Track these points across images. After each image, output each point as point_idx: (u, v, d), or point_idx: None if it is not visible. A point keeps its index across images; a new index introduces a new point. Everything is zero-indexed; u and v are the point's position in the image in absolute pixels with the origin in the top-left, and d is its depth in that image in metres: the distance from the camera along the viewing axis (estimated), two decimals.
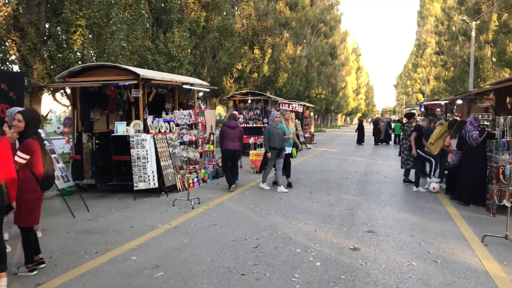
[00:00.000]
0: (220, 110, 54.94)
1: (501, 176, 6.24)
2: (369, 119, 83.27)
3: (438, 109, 25.26)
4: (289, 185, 11.32)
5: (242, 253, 5.96)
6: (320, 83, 52.92)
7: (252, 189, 11.12)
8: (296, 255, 5.86)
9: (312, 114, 41.13)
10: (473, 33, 32.98)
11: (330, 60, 58.27)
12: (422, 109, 30.82)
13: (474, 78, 34.51)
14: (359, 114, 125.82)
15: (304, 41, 47.03)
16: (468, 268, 5.43)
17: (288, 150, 11.35)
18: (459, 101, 17.49)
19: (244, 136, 18.65)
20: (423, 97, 67.73)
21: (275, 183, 11.24)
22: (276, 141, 10.71)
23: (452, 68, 46.85)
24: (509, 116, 6.90)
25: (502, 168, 6.25)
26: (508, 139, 6.26)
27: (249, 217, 8.05)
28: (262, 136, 18.71)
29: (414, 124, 12.52)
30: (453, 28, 47.85)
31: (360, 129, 30.54)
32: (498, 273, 5.26)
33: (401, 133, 13.11)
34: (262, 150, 15.11)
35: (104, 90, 11.45)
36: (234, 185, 10.96)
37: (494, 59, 39.49)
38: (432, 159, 10.96)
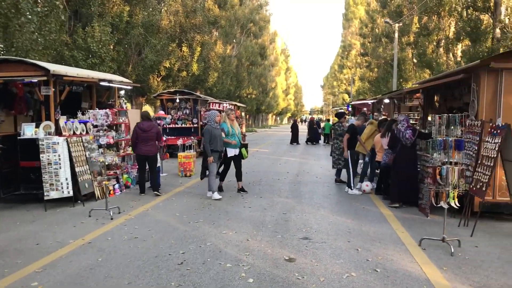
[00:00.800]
0: (149, 110, 53.18)
1: (438, 177, 6.02)
2: (298, 119, 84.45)
3: (365, 108, 25.81)
4: (241, 190, 10.53)
5: (165, 271, 5.24)
6: (251, 83, 52.80)
7: (180, 195, 10.35)
8: (227, 270, 5.24)
9: (243, 114, 40.82)
10: (396, 35, 34.21)
11: (260, 60, 58.36)
12: (350, 109, 31.49)
13: (397, 79, 35.85)
14: (289, 114, 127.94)
15: (234, 40, 46.63)
16: (409, 276, 5.09)
17: (236, 151, 10.44)
18: (386, 100, 17.77)
19: (172, 137, 17.93)
20: (349, 97, 69.94)
21: (241, 190, 10.62)
22: (218, 143, 9.90)
23: (376, 69, 48.57)
24: (445, 115, 6.75)
25: (439, 169, 6.02)
26: (444, 138, 6.04)
27: (175, 228, 7.31)
28: (191, 137, 18.03)
29: (345, 123, 12.39)
30: (377, 30, 49.55)
31: (295, 129, 30.61)
32: (440, 280, 4.97)
33: (332, 133, 12.93)
34: (191, 152, 14.34)
35: (10, 87, 10.16)
36: (157, 192, 10.21)
37: (415, 60, 41.33)
38: (350, 168, 10.72)
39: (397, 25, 33.98)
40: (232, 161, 10.62)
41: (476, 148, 7.40)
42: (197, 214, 8.32)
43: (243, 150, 10.69)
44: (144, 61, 24.38)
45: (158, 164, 10.92)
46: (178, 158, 13.85)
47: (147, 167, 10.55)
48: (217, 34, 39.11)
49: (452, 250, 5.89)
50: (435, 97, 10.90)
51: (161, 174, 13.38)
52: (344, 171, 11.82)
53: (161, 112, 15.53)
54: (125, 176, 11.27)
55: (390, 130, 9.60)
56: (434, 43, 34.73)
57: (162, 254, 5.91)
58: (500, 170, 7.43)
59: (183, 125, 19.74)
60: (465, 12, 26.79)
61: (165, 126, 16.04)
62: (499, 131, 6.86)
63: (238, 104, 34.29)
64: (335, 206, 9.21)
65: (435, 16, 32.83)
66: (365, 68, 55.33)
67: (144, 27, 23.35)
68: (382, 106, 18.29)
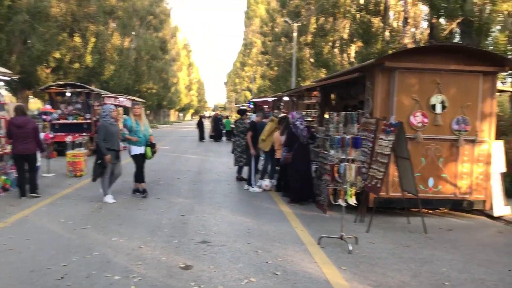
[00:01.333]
0: (39, 104, 49.06)
1: (336, 175, 5.98)
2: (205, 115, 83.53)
3: (266, 106, 26.11)
4: (143, 191, 9.58)
5: None
6: (151, 78, 51.14)
7: (67, 198, 9.39)
8: (114, 284, 4.69)
9: (143, 109, 39.27)
10: (295, 35, 35.04)
11: (160, 54, 56.78)
12: (251, 106, 31.72)
13: (296, 77, 36.89)
14: (192, 110, 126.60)
15: (133, 32, 44.75)
16: (309, 278, 4.95)
17: (141, 149, 9.40)
18: (286, 98, 18.03)
19: (61, 134, 16.49)
20: (251, 94, 70.88)
21: (136, 191, 9.73)
22: (114, 141, 8.97)
23: (276, 68, 49.64)
24: (343, 112, 6.77)
25: (336, 166, 5.99)
26: (341, 136, 6.02)
27: (59, 236, 6.52)
28: (83, 134, 16.75)
29: (246, 120, 12.21)
30: (276, 29, 50.63)
31: (200, 126, 30.05)
32: (339, 281, 4.89)
33: (234, 130, 12.70)
34: (82, 150, 13.25)
35: None
36: (35, 194, 9.22)
37: (312, 60, 42.87)
38: (252, 165, 10.63)
39: (295, 24, 34.84)
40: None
41: (371, 145, 7.56)
42: (85, 219, 7.55)
43: (148, 149, 9.41)
44: (30, 50, 22.28)
45: (38, 163, 9.85)
46: (66, 157, 12.68)
47: (26, 167, 9.44)
48: (114, 25, 37.17)
49: (350, 248, 5.89)
50: (332, 95, 11.12)
51: (47, 175, 12.19)
52: (245, 169, 11.64)
53: (48, 107, 14.16)
54: (2, 177, 10.01)
55: (287, 127, 9.57)
56: (330, 44, 36.28)
57: (39, 268, 5.16)
58: (393, 167, 7.68)
59: (75, 121, 18.29)
60: (358, 15, 28.16)
61: (52, 121, 14.65)
62: (392, 128, 7.05)
63: (137, 99, 32.89)
64: (236, 205, 8.96)
65: (331, 17, 34.25)
66: (266, 66, 56.28)
67: (30, 14, 21.31)
68: (282, 103, 18.52)
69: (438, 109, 7.93)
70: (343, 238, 6.11)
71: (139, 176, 9.58)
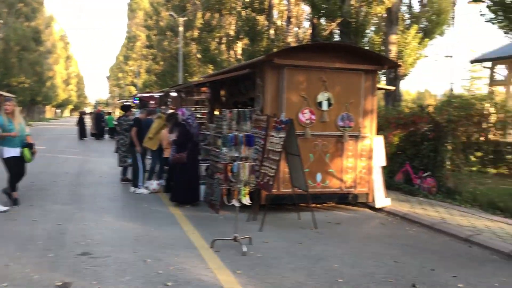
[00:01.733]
0: None
1: (229, 174, 5.76)
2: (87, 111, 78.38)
3: (153, 102, 25.17)
4: (14, 202, 8.30)
5: None
6: (23, 71, 46.67)
7: None
8: None
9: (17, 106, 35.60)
10: (181, 29, 34.36)
11: (34, 45, 52.07)
12: (137, 101, 30.42)
13: (183, 73, 36.28)
14: (71, 106, 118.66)
15: (0, 21, 40.38)
16: (204, 287, 4.66)
17: (15, 152, 8.09)
18: (174, 94, 17.47)
19: None
20: (136, 89, 68.40)
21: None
22: None
23: (162, 62, 48.46)
24: (235, 110, 6.58)
25: (230, 165, 5.77)
26: (234, 134, 5.81)
27: None
28: None
29: (131, 117, 11.49)
30: (161, 23, 49.47)
31: (81, 123, 27.80)
32: (235, 286, 4.67)
33: (117, 127, 11.90)
34: None
35: None
36: None
37: (199, 56, 42.54)
38: (138, 165, 10.08)
39: (181, 19, 34.15)
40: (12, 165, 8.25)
41: (263, 142, 7.48)
42: None
43: (26, 150, 8.11)
44: None
45: None
46: None
47: None
48: None
49: (244, 250, 5.72)
50: (222, 92, 10.93)
51: None
52: (131, 169, 10.96)
53: None
54: None
55: (178, 125, 9.15)
56: (217, 40, 36.25)
57: None
58: (283, 163, 7.68)
59: None
60: (244, 12, 28.41)
61: None
62: (283, 126, 7.03)
63: (6, 94, 29.68)
64: (121, 210, 8.34)
65: (217, 13, 34.20)
66: (151, 61, 54.80)
67: None
68: (170, 99, 17.94)
69: (325, 106, 8.13)
70: (237, 240, 5.91)
71: (13, 184, 8.39)
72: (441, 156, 10.37)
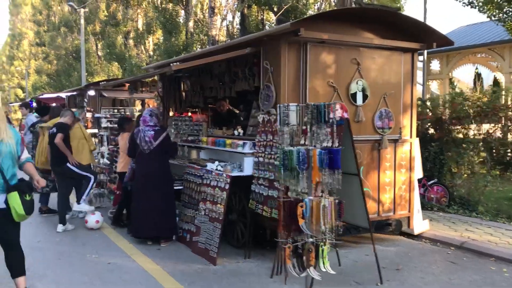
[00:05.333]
0: None
1: (300, 221, 3.19)
2: None
3: (54, 104, 21.08)
4: None
5: None
6: None
7: None
8: None
9: None
10: (83, 22, 30.13)
11: None
12: (34, 104, 25.71)
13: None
14: None
15: None
16: None
17: None
18: (92, 92, 14.07)
19: None
20: (23, 92, 61.48)
21: None
22: None
23: (55, 61, 43.74)
24: (308, 104, 3.97)
25: (301, 207, 3.19)
26: (308, 148, 3.24)
27: None
28: None
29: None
30: (53, 18, 44.75)
31: None
32: None
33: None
34: None
35: None
36: None
37: (100, 53, 38.32)
38: (90, 176, 7.03)
39: (83, 10, 29.83)
40: None
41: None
42: None
43: (14, 199, 3.87)
44: None
45: None
46: None
47: None
48: None
49: None
50: (183, 85, 8.09)
51: None
52: (53, 196, 7.71)
53: None
54: None
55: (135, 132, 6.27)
56: (123, 35, 32.73)
57: None
58: None
59: None
60: (159, 1, 25.31)
61: None
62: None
63: None
64: (59, 268, 5.24)
65: (124, 5, 30.68)
66: (42, 60, 49.26)
67: None
68: (86, 100, 14.43)
69: (359, 100, 5.78)
70: None
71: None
72: (448, 159, 8.67)
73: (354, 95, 5.74)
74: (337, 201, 3.44)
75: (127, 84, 9.77)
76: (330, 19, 5.58)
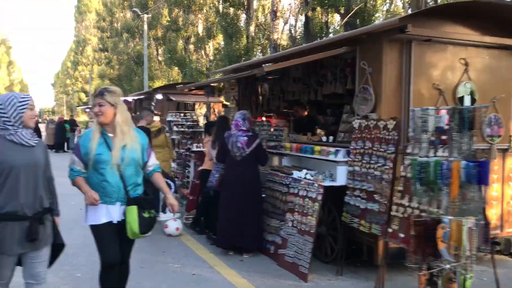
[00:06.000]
0: None
1: (441, 245, 2.74)
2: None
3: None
4: None
5: None
6: None
7: None
8: None
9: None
10: (146, 27, 30.81)
11: None
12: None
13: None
14: None
15: None
16: None
17: (107, 214, 3.74)
18: (159, 96, 14.15)
19: None
20: (86, 96, 64.23)
21: None
22: (24, 190, 2.93)
23: (117, 66, 45.16)
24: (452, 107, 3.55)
25: (442, 229, 2.74)
26: (451, 159, 2.78)
27: None
28: None
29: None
30: (116, 25, 46.29)
31: (37, 133, 23.38)
32: None
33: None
34: None
35: None
36: None
37: (160, 58, 38.98)
38: (170, 182, 6.86)
39: (146, 16, 30.52)
40: None
41: (390, 165, 4.48)
42: None
43: (131, 214, 3.44)
44: None
45: None
46: None
47: None
48: None
49: None
50: (260, 88, 7.78)
51: None
52: None
53: None
54: None
55: (220, 136, 6.00)
56: (184, 40, 33.15)
57: None
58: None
59: None
60: (221, 6, 25.38)
61: None
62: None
63: None
64: (141, 279, 5.03)
65: (186, 10, 31.06)
66: (105, 65, 51.17)
67: None
68: (153, 103, 14.54)
69: (467, 105, 5.22)
70: None
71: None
72: None
73: (461, 99, 5.17)
74: (483, 222, 2.95)
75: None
76: (437, 15, 5.05)
